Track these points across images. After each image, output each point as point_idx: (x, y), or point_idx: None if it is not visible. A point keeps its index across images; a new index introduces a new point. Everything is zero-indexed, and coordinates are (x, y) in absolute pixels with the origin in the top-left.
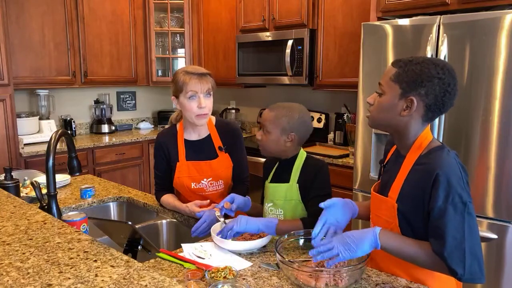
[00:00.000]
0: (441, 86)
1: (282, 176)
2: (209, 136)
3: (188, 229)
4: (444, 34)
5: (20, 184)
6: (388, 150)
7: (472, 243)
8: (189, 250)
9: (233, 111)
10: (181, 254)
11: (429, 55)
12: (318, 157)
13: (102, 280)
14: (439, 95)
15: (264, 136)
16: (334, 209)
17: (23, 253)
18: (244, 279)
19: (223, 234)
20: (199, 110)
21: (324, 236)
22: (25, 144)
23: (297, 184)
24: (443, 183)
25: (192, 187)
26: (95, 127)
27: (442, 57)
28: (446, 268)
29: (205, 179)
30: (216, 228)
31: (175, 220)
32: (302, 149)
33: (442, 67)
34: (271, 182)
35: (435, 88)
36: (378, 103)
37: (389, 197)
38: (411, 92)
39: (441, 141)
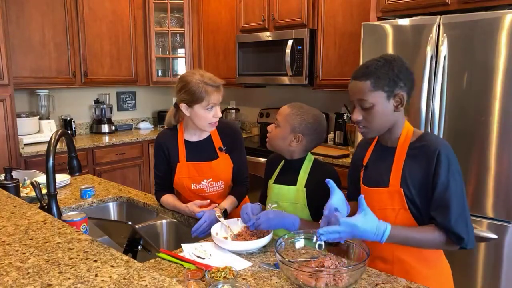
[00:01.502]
0: (408, 72)
1: (288, 178)
2: (209, 137)
3: (188, 229)
4: (444, 34)
5: (20, 184)
6: (365, 152)
7: (468, 212)
8: (189, 250)
9: (233, 111)
10: (181, 254)
11: (429, 55)
12: (318, 157)
13: (102, 280)
14: (410, 79)
15: (274, 129)
16: (338, 199)
17: (23, 253)
18: (244, 279)
19: (250, 221)
20: (214, 119)
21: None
22: (25, 144)
23: (305, 189)
24: (444, 159)
25: (192, 188)
26: (95, 127)
27: (442, 57)
28: (450, 241)
29: (205, 180)
30: (216, 228)
31: (175, 220)
32: (309, 154)
33: (398, 58)
34: (275, 182)
35: (407, 75)
36: (371, 115)
37: (390, 186)
38: (395, 89)
39: (420, 130)
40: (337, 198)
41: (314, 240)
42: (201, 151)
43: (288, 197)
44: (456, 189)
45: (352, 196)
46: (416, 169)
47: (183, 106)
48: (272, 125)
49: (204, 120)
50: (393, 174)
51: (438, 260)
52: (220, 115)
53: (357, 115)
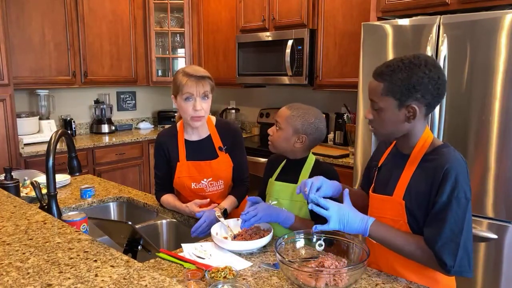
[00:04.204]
0: (432, 83)
1: (289, 176)
2: (209, 136)
3: (188, 229)
4: (444, 34)
5: (20, 184)
6: (382, 153)
7: (466, 238)
8: (189, 250)
9: (233, 111)
10: (181, 254)
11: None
12: (319, 157)
13: (102, 280)
14: (434, 91)
15: (276, 132)
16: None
17: (23, 253)
18: (244, 279)
19: (247, 216)
20: (194, 112)
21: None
22: (25, 144)
23: None
24: (451, 178)
25: (192, 187)
26: (95, 127)
27: (442, 57)
28: (434, 260)
29: (205, 179)
30: (216, 228)
31: (175, 220)
32: (311, 153)
33: (425, 64)
34: (277, 180)
35: (428, 87)
36: (380, 118)
37: (394, 195)
38: (408, 100)
39: (440, 141)
40: (343, 205)
41: (314, 240)
42: (201, 151)
43: (288, 194)
44: (456, 212)
45: (362, 187)
46: (422, 182)
47: (173, 99)
48: (272, 127)
49: (184, 111)
50: (399, 184)
51: (441, 279)
52: (199, 108)
53: (369, 114)
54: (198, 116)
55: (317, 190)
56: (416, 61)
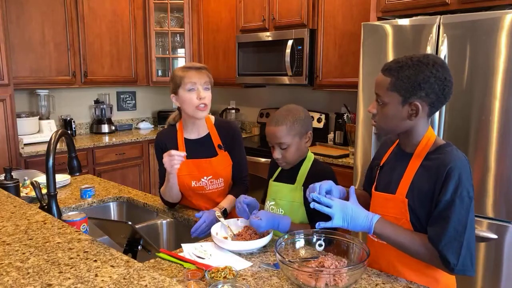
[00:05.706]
0: (438, 83)
1: (288, 176)
2: (208, 135)
3: (188, 229)
4: (444, 34)
5: (20, 184)
6: (385, 152)
7: (469, 237)
8: (189, 250)
9: (233, 111)
10: (181, 254)
11: None
12: (318, 157)
13: (102, 280)
14: (439, 92)
15: (284, 152)
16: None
17: (23, 253)
18: (244, 279)
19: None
20: (198, 101)
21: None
22: (25, 144)
23: (303, 187)
24: (454, 177)
25: (193, 185)
26: (95, 127)
27: (442, 57)
28: (438, 259)
29: (205, 177)
30: (216, 228)
31: (175, 220)
32: (310, 151)
33: (433, 64)
34: (275, 180)
35: (434, 86)
36: (382, 113)
37: (397, 193)
38: (412, 97)
39: (443, 140)
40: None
41: (314, 240)
42: (201, 149)
43: (286, 195)
44: (460, 211)
45: (364, 188)
46: (425, 181)
47: (173, 98)
48: (277, 151)
49: (190, 104)
50: (402, 183)
51: (441, 278)
52: (203, 96)
53: (373, 108)
54: (204, 103)
55: (326, 193)
56: (425, 60)
